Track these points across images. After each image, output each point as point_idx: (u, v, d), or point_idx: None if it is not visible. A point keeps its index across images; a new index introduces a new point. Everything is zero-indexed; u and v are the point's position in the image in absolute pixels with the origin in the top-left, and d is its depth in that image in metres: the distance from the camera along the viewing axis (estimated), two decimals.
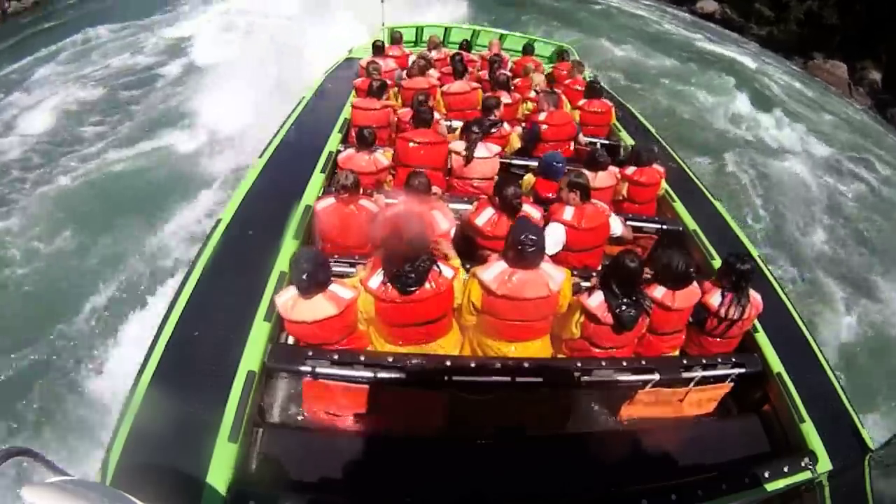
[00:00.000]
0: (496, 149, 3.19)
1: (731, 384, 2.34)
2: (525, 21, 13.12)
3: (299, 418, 2.22)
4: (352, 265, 2.41)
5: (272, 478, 1.79)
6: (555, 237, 2.50)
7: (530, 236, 1.90)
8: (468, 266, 2.17)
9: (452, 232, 2.48)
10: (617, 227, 2.71)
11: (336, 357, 1.93)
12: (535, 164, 3.28)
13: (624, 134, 4.27)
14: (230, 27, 10.53)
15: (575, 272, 2.30)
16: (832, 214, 7.54)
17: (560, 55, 6.02)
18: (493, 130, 3.52)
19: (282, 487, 1.75)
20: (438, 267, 1.95)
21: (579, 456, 2.01)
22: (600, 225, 2.61)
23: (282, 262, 2.32)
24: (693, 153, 8.01)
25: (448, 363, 1.97)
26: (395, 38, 5.46)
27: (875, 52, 13.07)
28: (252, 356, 1.92)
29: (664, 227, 3.16)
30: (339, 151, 3.26)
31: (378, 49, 4.99)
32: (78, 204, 5.62)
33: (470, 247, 2.56)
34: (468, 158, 3.09)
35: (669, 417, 2.35)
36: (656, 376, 2.11)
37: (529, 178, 3.09)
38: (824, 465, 1.98)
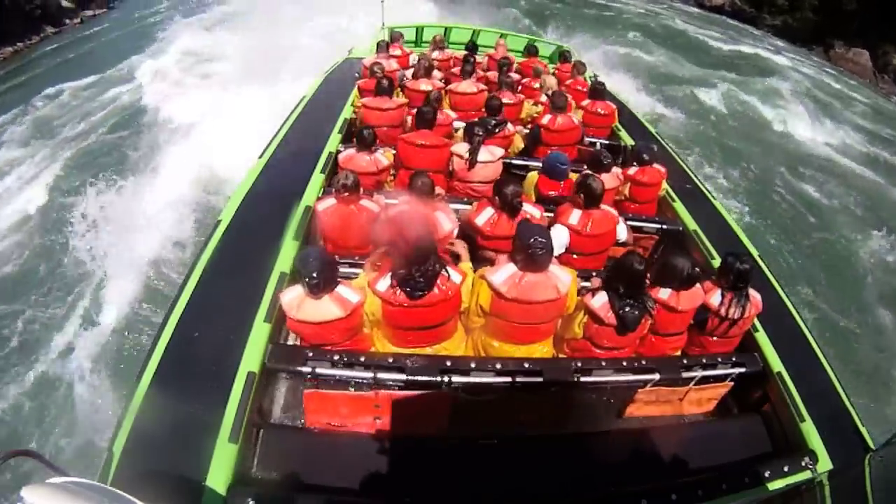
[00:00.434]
0: (499, 152, 3.13)
1: (732, 383, 2.34)
2: (524, 20, 13.00)
3: (299, 419, 2.21)
4: (352, 265, 2.41)
5: (272, 478, 1.79)
6: (557, 241, 2.48)
7: (540, 239, 1.88)
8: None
9: (455, 233, 2.47)
10: (623, 233, 2.69)
11: (336, 358, 1.92)
12: (537, 164, 3.26)
13: (624, 134, 4.27)
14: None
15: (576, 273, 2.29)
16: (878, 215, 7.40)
17: (561, 56, 6.01)
18: (498, 131, 3.48)
19: (282, 488, 1.75)
20: (447, 271, 1.94)
21: (579, 456, 2.02)
22: (607, 231, 2.58)
23: (282, 263, 2.32)
24: (720, 155, 7.90)
25: (448, 364, 1.97)
26: (395, 38, 5.44)
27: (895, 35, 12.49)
28: (252, 357, 1.92)
29: (664, 227, 3.16)
30: (339, 152, 3.25)
31: (383, 48, 4.96)
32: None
33: (470, 246, 2.55)
34: (472, 163, 3.02)
35: (669, 417, 2.35)
36: (656, 376, 2.11)
37: (533, 176, 3.08)
38: (825, 464, 1.98)
